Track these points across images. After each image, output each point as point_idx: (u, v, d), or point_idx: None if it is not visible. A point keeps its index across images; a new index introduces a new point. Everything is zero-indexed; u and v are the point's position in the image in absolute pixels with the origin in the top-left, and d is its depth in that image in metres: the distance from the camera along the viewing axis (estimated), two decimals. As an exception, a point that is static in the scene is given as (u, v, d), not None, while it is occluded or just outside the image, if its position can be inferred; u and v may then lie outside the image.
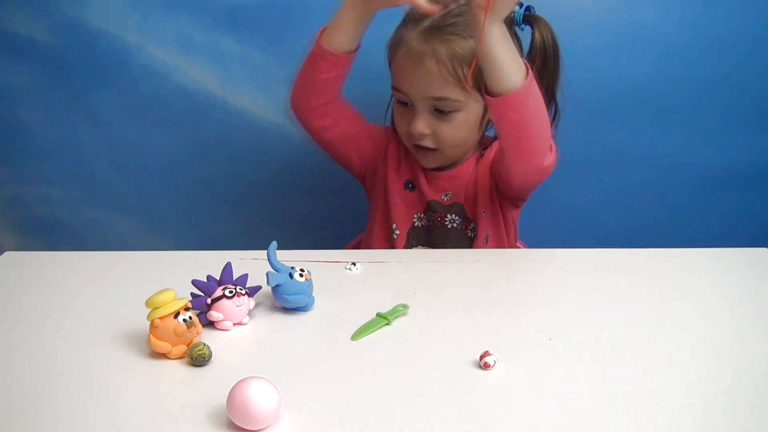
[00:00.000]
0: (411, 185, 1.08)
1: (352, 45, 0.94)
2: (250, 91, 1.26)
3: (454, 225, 1.07)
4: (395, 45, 1.00)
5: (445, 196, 1.07)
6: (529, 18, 1.01)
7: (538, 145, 0.90)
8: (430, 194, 1.08)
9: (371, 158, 1.10)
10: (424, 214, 1.08)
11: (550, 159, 0.93)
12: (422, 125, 0.98)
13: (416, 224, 1.09)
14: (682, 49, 1.23)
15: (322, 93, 0.98)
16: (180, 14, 1.22)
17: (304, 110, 1.01)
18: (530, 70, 0.85)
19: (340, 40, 0.93)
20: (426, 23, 0.95)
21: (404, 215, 1.08)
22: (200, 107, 1.27)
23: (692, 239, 1.35)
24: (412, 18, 0.97)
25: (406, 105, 1.01)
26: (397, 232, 1.08)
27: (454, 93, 0.95)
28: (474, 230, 1.07)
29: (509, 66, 0.83)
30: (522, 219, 1.12)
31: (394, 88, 1.01)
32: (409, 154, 1.09)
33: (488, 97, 0.86)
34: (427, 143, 1.00)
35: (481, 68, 0.84)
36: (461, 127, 0.99)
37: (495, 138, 1.07)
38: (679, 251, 0.94)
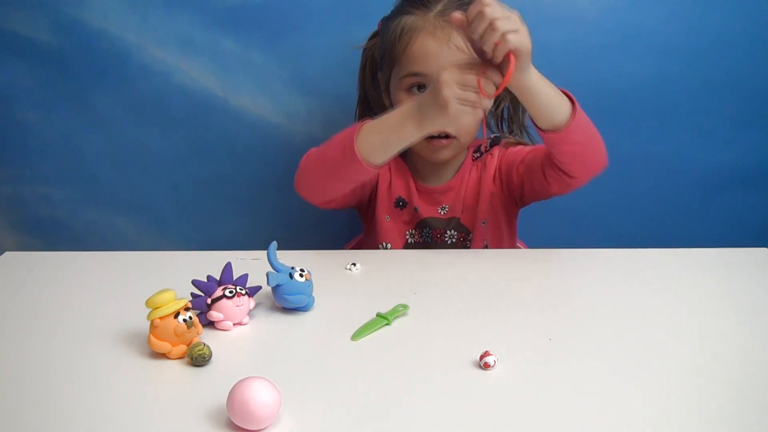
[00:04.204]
0: (402, 203, 1.07)
1: (386, 161, 0.87)
2: (250, 91, 1.26)
3: (453, 240, 1.06)
4: (406, 32, 0.96)
5: (441, 210, 1.06)
6: None
7: (600, 153, 0.90)
8: (426, 212, 1.06)
9: (367, 194, 1.07)
10: (416, 231, 1.07)
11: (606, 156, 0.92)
12: None
13: (409, 241, 1.08)
14: (682, 49, 1.23)
15: (341, 190, 0.93)
16: (180, 14, 1.22)
17: (313, 198, 0.95)
18: (572, 96, 0.84)
19: (380, 158, 0.85)
20: (440, 6, 0.95)
21: (396, 233, 1.07)
22: (200, 107, 1.27)
23: (692, 239, 1.35)
24: (415, 5, 0.97)
25: (419, 93, 0.97)
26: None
27: None
28: (471, 240, 1.06)
29: (557, 99, 0.82)
30: (522, 219, 1.11)
31: (411, 75, 0.96)
32: (399, 171, 1.07)
33: (544, 134, 0.84)
34: (448, 128, 0.97)
35: (530, 110, 0.83)
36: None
37: (494, 142, 1.07)
38: (679, 251, 0.94)
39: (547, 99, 0.81)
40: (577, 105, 0.83)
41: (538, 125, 0.84)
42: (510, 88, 0.80)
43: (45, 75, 1.25)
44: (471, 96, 0.77)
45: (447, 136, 0.98)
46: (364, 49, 1.09)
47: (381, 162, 0.86)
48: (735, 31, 1.22)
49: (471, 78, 0.76)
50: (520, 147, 1.05)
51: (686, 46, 1.23)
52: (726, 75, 1.25)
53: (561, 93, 0.83)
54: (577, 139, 0.85)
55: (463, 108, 0.77)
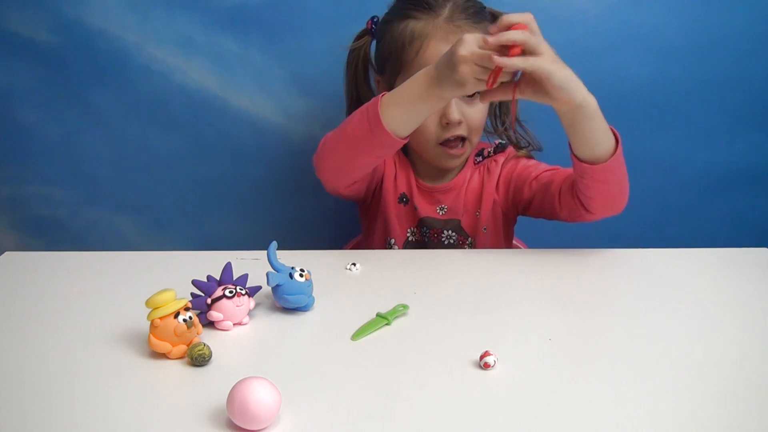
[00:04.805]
0: (405, 199, 1.07)
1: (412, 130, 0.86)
2: (250, 91, 1.26)
3: (451, 241, 1.06)
4: (416, 38, 0.95)
5: (440, 210, 1.06)
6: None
7: (623, 200, 0.91)
8: (424, 210, 1.06)
9: (375, 185, 1.06)
10: (416, 229, 1.07)
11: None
12: (457, 111, 0.96)
13: (409, 238, 1.08)
14: (682, 49, 1.23)
15: (366, 167, 0.93)
16: (180, 14, 1.22)
17: (336, 180, 0.95)
18: (618, 135, 0.84)
19: (407, 128, 0.84)
20: (446, 11, 0.94)
21: (398, 229, 1.07)
22: (200, 107, 1.27)
23: (692, 239, 1.35)
24: (419, 10, 0.96)
25: None
26: (396, 247, 1.07)
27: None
28: (472, 245, 1.06)
29: (605, 133, 0.83)
30: (522, 218, 1.11)
31: None
32: (403, 166, 1.06)
33: (579, 163, 0.85)
34: (460, 131, 0.97)
35: (573, 137, 0.83)
36: (482, 109, 0.99)
37: (499, 147, 1.06)
38: (679, 251, 0.94)
39: (596, 129, 0.82)
40: (620, 146, 0.84)
41: (576, 153, 0.85)
42: (558, 111, 0.80)
43: (45, 75, 1.25)
44: (487, 73, 0.75)
45: (463, 141, 0.99)
46: (353, 49, 1.07)
47: (408, 132, 0.85)
48: (734, 31, 1.22)
49: (487, 54, 0.74)
50: (534, 162, 1.05)
51: (686, 46, 1.23)
52: (726, 75, 1.25)
53: (610, 129, 0.83)
54: (608, 179, 0.86)
55: (481, 82, 0.76)
